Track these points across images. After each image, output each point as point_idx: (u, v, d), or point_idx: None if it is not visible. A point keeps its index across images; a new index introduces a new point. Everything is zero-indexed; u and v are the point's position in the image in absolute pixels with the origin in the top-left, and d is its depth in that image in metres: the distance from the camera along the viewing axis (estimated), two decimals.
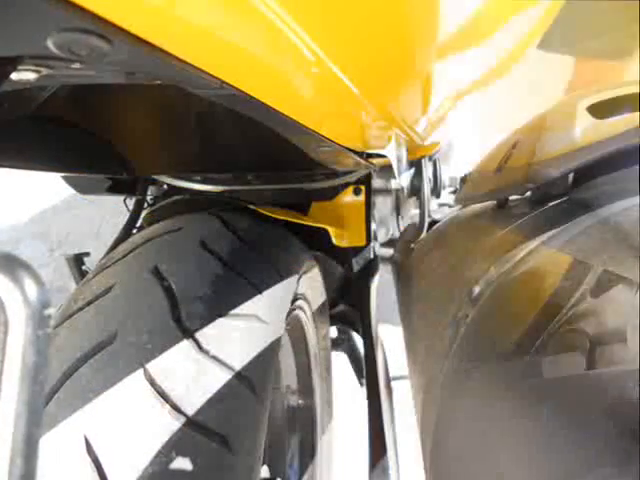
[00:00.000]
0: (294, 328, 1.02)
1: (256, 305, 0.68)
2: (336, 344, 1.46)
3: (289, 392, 1.14)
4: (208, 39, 0.31)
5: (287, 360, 1.09)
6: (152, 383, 0.55)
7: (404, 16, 0.48)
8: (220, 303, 0.64)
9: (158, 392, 0.54)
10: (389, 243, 1.54)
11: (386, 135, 0.80)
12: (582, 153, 0.54)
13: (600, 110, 0.59)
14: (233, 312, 0.64)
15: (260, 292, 0.70)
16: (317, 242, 1.16)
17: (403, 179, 1.04)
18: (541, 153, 0.59)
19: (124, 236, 1.08)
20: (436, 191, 1.25)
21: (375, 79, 0.57)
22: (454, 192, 1.52)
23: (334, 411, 1.26)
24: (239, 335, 0.63)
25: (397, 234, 1.53)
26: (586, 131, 0.57)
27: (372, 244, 1.23)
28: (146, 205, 1.15)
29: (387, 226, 1.46)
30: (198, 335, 0.60)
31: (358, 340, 1.45)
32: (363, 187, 1.20)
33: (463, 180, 1.12)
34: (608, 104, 0.60)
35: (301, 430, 1.16)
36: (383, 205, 1.39)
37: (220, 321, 0.62)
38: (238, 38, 0.34)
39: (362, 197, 1.19)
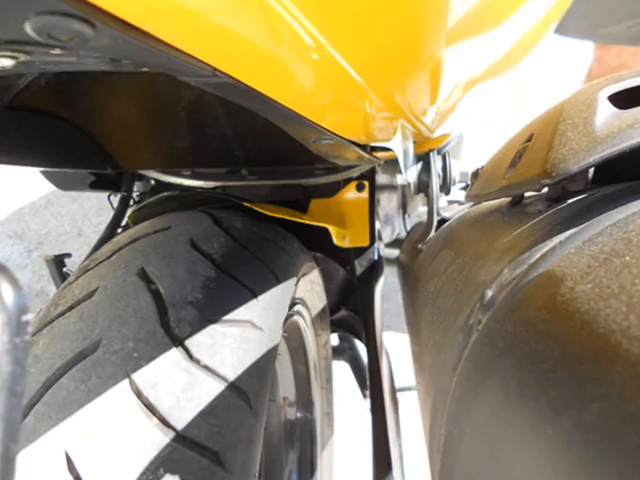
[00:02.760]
0: (292, 335, 1.02)
1: (251, 310, 0.68)
2: (337, 353, 1.45)
3: (287, 404, 1.14)
4: (199, 22, 0.31)
5: (285, 370, 1.09)
6: (138, 395, 0.54)
7: None
8: (212, 308, 0.64)
9: (145, 404, 0.54)
10: (395, 243, 1.53)
11: (392, 127, 0.79)
12: (603, 146, 0.54)
13: (623, 100, 0.59)
14: (226, 318, 0.64)
15: (255, 296, 0.70)
16: (317, 242, 1.17)
17: (410, 174, 1.04)
18: (558, 146, 0.59)
19: (108, 236, 1.08)
20: (445, 187, 1.24)
21: (380, 66, 0.57)
22: (465, 188, 1.52)
23: (335, 425, 1.26)
24: (232, 343, 0.63)
25: (403, 233, 1.53)
26: (607, 122, 0.56)
27: (376, 244, 1.23)
28: (132, 202, 1.15)
29: (392, 225, 1.45)
30: (188, 343, 0.60)
31: (361, 348, 1.45)
32: (366, 183, 1.19)
33: (474, 175, 1.12)
34: (631, 93, 0.59)
35: (299, 445, 1.16)
36: (388, 202, 1.39)
37: (212, 328, 0.62)
38: (231, 21, 0.33)
39: (365, 194, 1.19)
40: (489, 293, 0.54)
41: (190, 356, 0.58)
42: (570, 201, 0.59)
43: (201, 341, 0.60)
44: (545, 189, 0.66)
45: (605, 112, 0.58)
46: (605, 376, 0.31)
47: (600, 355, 0.32)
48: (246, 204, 0.93)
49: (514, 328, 0.45)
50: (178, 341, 0.59)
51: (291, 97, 0.47)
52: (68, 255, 1.14)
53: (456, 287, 0.69)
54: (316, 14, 0.38)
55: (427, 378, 0.71)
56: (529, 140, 0.69)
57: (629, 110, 0.57)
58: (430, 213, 1.15)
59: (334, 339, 1.43)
